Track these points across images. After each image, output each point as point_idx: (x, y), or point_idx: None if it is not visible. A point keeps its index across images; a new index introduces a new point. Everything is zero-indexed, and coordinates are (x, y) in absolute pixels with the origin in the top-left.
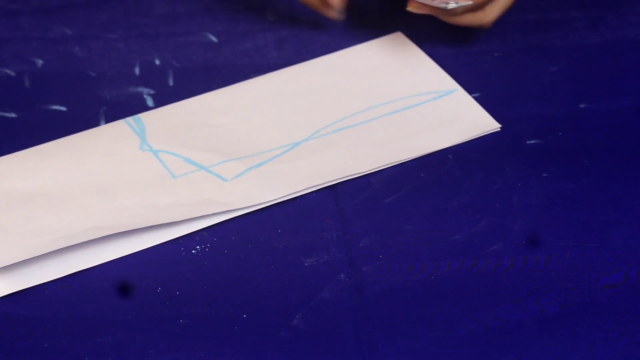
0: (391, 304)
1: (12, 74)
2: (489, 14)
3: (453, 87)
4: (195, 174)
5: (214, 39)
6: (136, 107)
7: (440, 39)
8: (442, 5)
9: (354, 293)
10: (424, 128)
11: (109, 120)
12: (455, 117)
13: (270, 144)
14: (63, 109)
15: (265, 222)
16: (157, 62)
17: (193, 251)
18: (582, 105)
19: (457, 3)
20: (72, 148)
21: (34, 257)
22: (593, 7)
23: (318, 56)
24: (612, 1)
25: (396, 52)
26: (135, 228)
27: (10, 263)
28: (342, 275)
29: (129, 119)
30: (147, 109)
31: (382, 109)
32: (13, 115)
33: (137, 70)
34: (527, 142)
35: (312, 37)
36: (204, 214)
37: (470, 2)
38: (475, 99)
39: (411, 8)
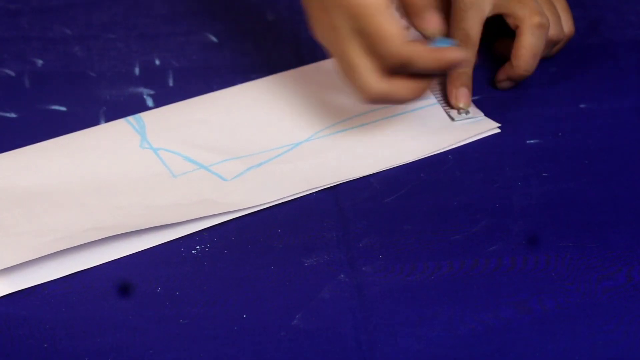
0: (391, 304)
1: (12, 74)
2: (566, 26)
3: None
4: (195, 173)
5: (214, 39)
6: (136, 107)
7: None
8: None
9: (354, 293)
10: (424, 131)
11: (108, 120)
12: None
13: (270, 144)
14: (63, 109)
15: (265, 222)
16: (157, 62)
17: (193, 251)
18: (582, 105)
19: (467, 113)
20: (72, 145)
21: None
22: (593, 7)
23: (318, 57)
24: (612, 1)
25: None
26: (135, 229)
27: (10, 265)
28: (342, 275)
29: (129, 117)
30: (147, 109)
31: (382, 112)
32: (13, 115)
33: (137, 71)
34: (527, 142)
35: (312, 38)
36: (204, 214)
37: (481, 114)
38: (476, 99)
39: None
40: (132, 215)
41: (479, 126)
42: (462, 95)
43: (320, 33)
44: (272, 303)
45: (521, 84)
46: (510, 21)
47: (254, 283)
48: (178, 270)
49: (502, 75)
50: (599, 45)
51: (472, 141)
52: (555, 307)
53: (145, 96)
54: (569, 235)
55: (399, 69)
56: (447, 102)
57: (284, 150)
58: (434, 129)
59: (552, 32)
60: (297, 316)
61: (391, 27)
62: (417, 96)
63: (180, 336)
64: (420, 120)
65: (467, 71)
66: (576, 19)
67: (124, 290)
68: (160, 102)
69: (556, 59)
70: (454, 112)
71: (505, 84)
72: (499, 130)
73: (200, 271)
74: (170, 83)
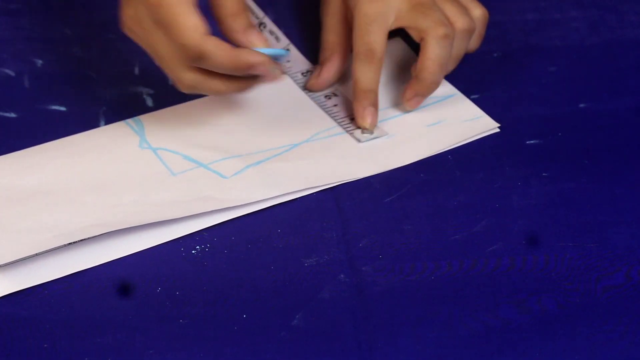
0: (391, 304)
1: (12, 74)
2: (475, 12)
3: (452, 92)
4: (194, 171)
5: None
6: (136, 107)
7: None
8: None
9: (354, 293)
10: (424, 132)
11: (108, 120)
12: (455, 118)
13: (269, 143)
14: (63, 109)
15: (265, 222)
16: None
17: (193, 251)
18: (582, 105)
19: (371, 134)
20: (71, 147)
21: (34, 257)
22: (593, 7)
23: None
24: (612, 1)
25: (396, 58)
26: (134, 225)
27: (9, 261)
28: (342, 275)
29: (128, 120)
30: (147, 108)
31: (381, 113)
32: (13, 115)
33: (136, 70)
34: (527, 142)
35: (313, 38)
36: (203, 210)
37: (386, 134)
38: (476, 99)
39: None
40: (132, 212)
41: (479, 126)
42: (369, 114)
43: (129, 26)
44: (272, 303)
45: (521, 83)
46: (414, 34)
47: (254, 283)
48: (178, 270)
49: (409, 92)
50: (599, 45)
51: (472, 141)
52: (555, 307)
53: (145, 96)
54: (569, 235)
55: (196, 62)
56: (350, 122)
57: (283, 150)
58: (433, 131)
59: (462, 24)
60: (297, 316)
61: (189, 19)
62: (232, 90)
63: (180, 336)
64: (419, 122)
65: (373, 89)
66: (576, 19)
67: (124, 290)
68: (159, 101)
69: (556, 58)
70: (357, 133)
71: (414, 102)
72: (498, 130)
73: (200, 271)
74: (170, 83)
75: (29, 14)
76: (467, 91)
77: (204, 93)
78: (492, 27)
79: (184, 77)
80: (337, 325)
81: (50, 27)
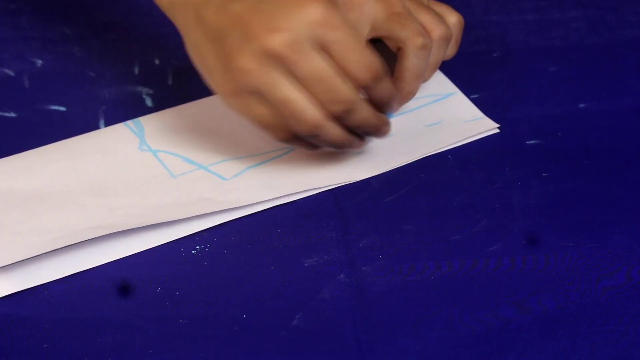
0: (391, 304)
1: (12, 74)
2: (451, 19)
3: (451, 91)
4: (194, 173)
5: None
6: (135, 107)
7: None
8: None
9: (354, 293)
10: (423, 132)
11: (108, 119)
12: (454, 119)
13: (270, 145)
14: (63, 109)
15: (265, 222)
16: (157, 61)
17: (193, 251)
18: (582, 105)
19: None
20: (71, 149)
21: (34, 257)
22: (593, 7)
23: None
24: (612, 1)
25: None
26: (134, 227)
27: (10, 263)
28: (342, 275)
29: (128, 122)
30: (146, 108)
31: None
32: (13, 115)
33: (136, 70)
34: (527, 142)
35: None
36: (203, 212)
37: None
38: (475, 99)
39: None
40: (132, 215)
41: (479, 126)
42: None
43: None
44: (272, 303)
45: (521, 83)
46: (391, 44)
47: (254, 283)
48: (178, 270)
49: None
50: (599, 45)
51: (472, 141)
52: (555, 307)
53: (144, 96)
54: (569, 235)
55: (373, 82)
56: None
57: (283, 152)
58: (432, 131)
59: (439, 33)
60: (297, 316)
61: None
62: (341, 145)
63: (180, 336)
64: (419, 122)
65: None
66: (576, 19)
67: (124, 290)
68: (159, 101)
69: (556, 58)
70: None
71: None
72: (498, 131)
73: (200, 271)
74: (170, 82)
75: (29, 14)
76: (467, 91)
77: (316, 142)
78: (492, 27)
79: (349, 92)
80: (337, 325)
81: (50, 27)
